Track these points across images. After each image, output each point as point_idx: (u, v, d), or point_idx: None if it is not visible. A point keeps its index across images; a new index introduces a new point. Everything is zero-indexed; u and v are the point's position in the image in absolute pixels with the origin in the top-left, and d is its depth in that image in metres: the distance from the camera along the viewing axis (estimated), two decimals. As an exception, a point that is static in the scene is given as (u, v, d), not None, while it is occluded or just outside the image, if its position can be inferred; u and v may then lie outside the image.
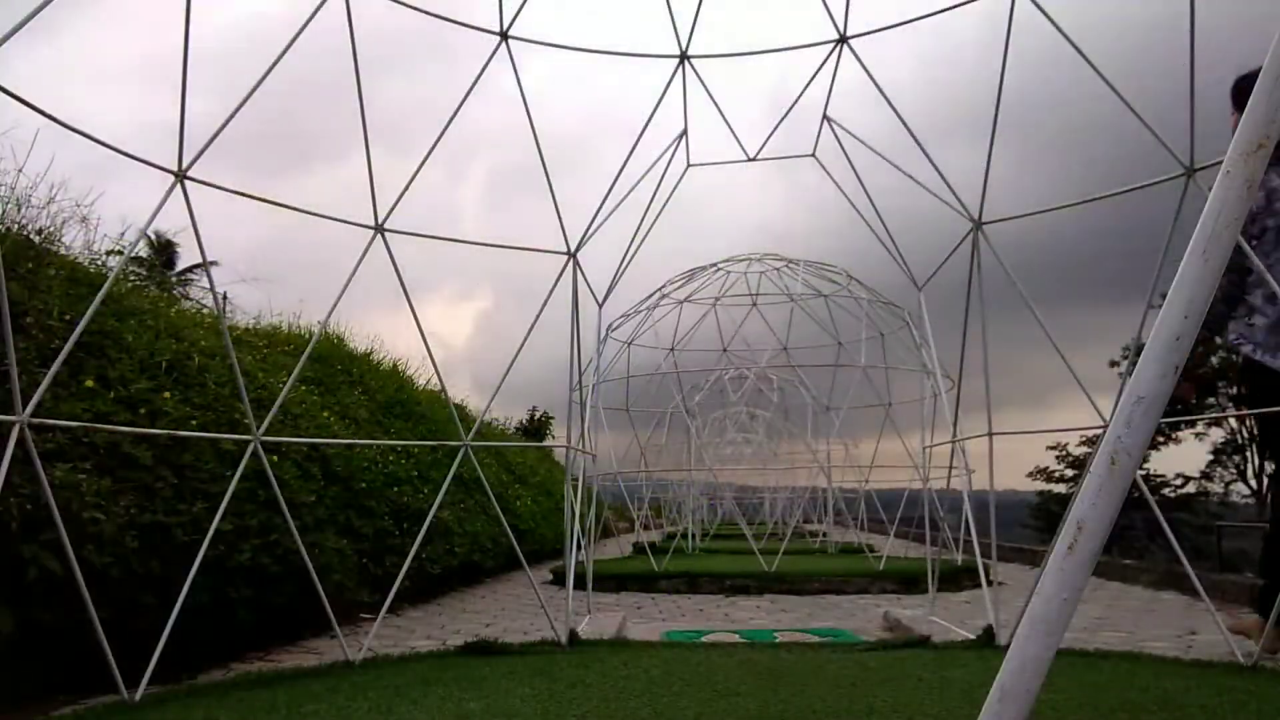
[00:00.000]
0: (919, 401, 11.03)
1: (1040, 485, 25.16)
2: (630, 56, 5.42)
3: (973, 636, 4.86)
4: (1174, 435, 22.94)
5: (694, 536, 15.27)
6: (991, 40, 4.72)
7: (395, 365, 9.73)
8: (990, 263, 4.99)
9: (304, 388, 6.46)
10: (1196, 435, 23.58)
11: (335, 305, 4.76)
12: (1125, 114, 4.33)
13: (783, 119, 5.91)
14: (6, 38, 2.94)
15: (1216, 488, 24.03)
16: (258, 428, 4.27)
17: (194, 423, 4.33)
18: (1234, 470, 23.65)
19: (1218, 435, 23.45)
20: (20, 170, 4.59)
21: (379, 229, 4.69)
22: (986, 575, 5.21)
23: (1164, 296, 0.96)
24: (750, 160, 5.89)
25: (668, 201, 5.85)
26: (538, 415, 30.32)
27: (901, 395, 12.58)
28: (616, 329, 11.74)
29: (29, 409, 3.19)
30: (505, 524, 5.16)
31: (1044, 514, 24.04)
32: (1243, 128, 0.93)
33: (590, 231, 5.25)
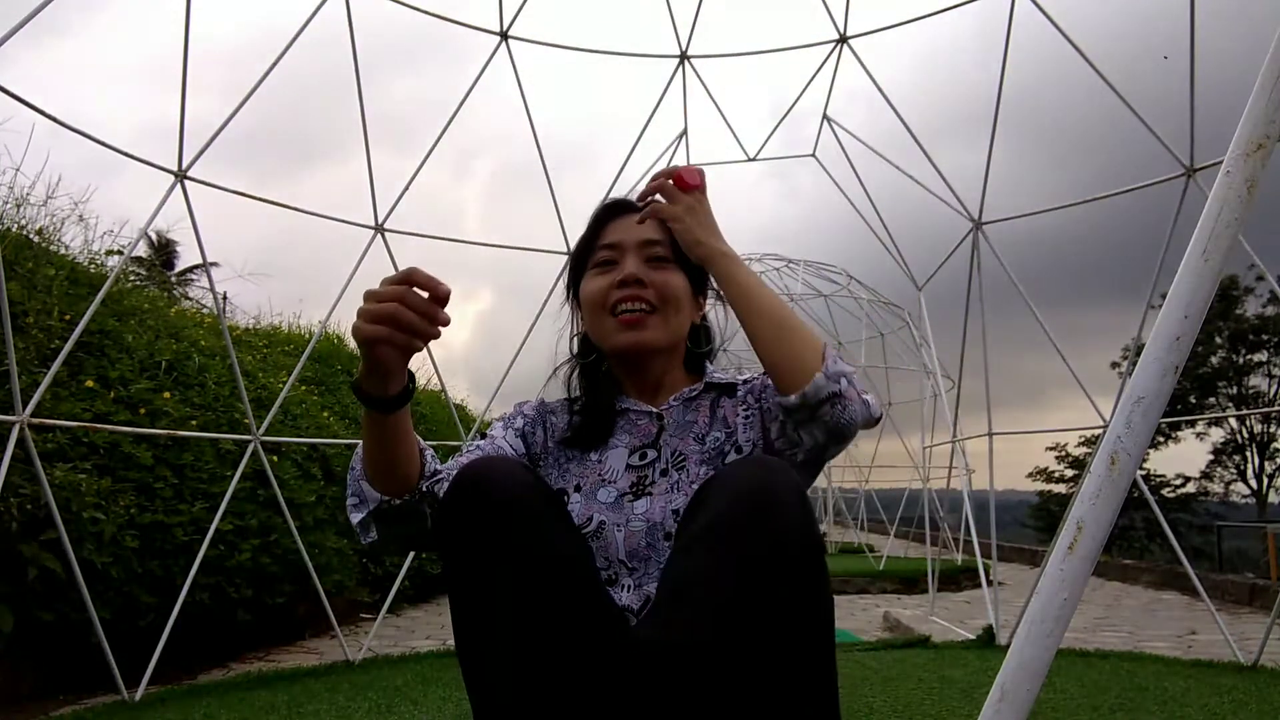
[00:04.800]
0: (919, 401, 11.04)
1: (1040, 485, 25.15)
2: (630, 56, 5.42)
3: (973, 636, 4.86)
4: (1174, 435, 22.92)
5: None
6: (991, 40, 4.73)
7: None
8: (990, 263, 4.99)
9: (304, 388, 6.45)
10: (1197, 435, 23.57)
11: (335, 305, 4.76)
12: (1125, 114, 4.33)
13: (783, 119, 5.91)
14: (7, 37, 2.94)
15: (1216, 488, 24.01)
16: (258, 428, 4.27)
17: (194, 423, 4.33)
18: (1234, 470, 23.63)
19: (1218, 435, 23.43)
20: (19, 169, 4.60)
21: (379, 229, 4.69)
22: (986, 575, 5.21)
23: (1164, 296, 0.96)
24: (750, 160, 5.89)
25: (668, 201, 5.84)
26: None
27: (901, 395, 12.59)
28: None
29: (29, 409, 3.19)
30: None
31: (1044, 514, 24.02)
32: (1242, 127, 0.93)
33: (590, 231, 5.24)
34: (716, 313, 1.44)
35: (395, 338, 1.01)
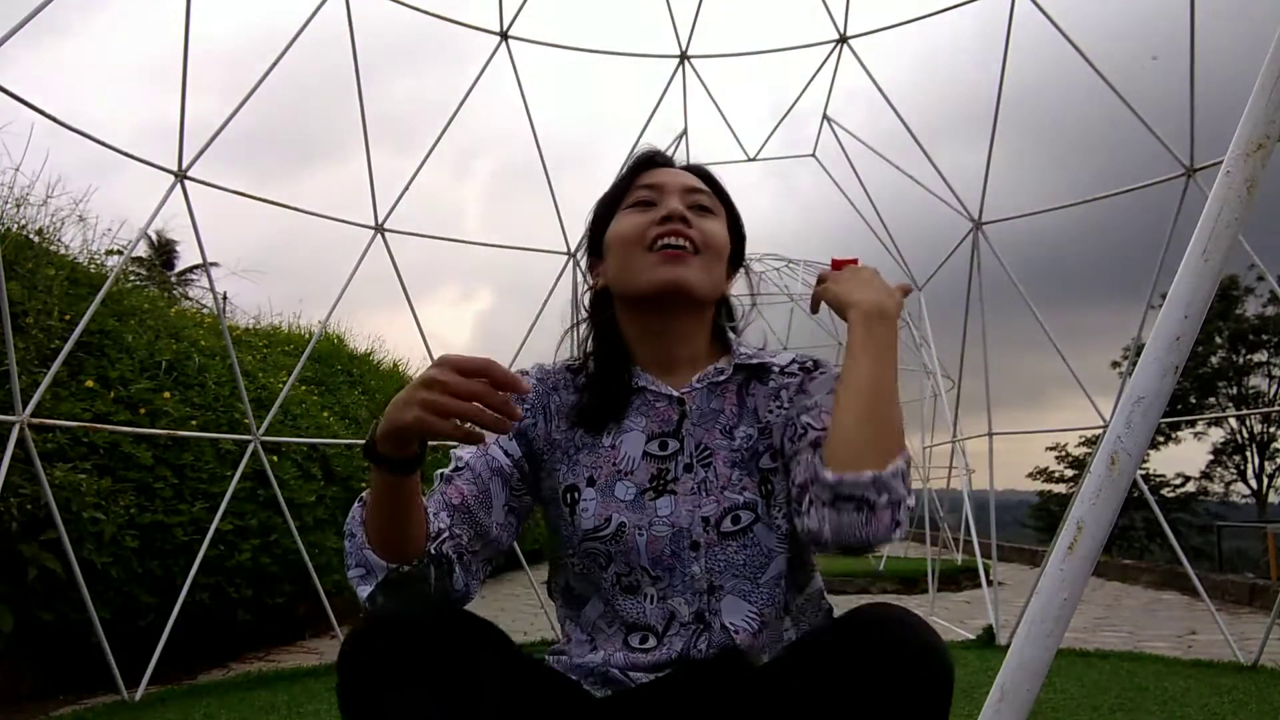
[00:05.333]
0: (919, 401, 11.04)
1: (1040, 485, 25.16)
2: (630, 56, 5.42)
3: (973, 636, 4.86)
4: (1174, 435, 22.92)
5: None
6: (991, 40, 4.73)
7: (395, 365, 9.74)
8: (990, 263, 5.00)
9: (304, 388, 6.45)
10: (1196, 435, 23.57)
11: (335, 305, 4.77)
12: (1125, 114, 4.34)
13: (783, 119, 5.92)
14: (7, 37, 2.94)
15: (1216, 488, 24.01)
16: (258, 428, 4.27)
17: (194, 423, 4.33)
18: (1234, 470, 23.63)
19: (1218, 435, 23.43)
20: (19, 169, 4.60)
21: (379, 229, 4.69)
22: (986, 575, 5.21)
23: (1164, 296, 0.96)
24: (750, 160, 5.89)
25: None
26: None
27: (901, 395, 12.57)
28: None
29: (29, 409, 3.19)
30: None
31: (1044, 514, 24.02)
32: (1242, 127, 0.93)
33: (590, 231, 5.25)
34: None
35: (456, 434, 0.89)
